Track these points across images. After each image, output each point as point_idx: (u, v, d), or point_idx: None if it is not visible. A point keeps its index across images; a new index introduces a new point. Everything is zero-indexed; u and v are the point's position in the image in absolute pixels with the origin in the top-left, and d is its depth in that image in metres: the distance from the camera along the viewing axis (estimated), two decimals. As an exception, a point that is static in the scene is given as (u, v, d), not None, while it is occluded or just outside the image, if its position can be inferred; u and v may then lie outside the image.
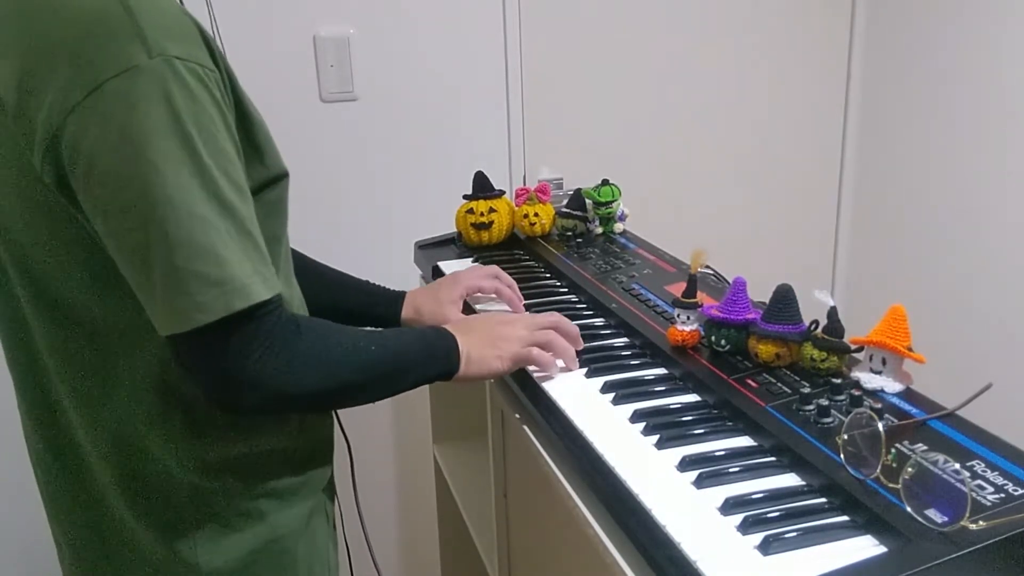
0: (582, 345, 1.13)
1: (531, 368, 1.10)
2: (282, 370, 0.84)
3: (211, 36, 0.83)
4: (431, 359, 1.00)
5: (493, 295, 1.30)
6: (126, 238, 0.78)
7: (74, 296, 0.85)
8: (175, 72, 0.76)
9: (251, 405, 0.86)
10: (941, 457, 0.78)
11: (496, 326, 1.08)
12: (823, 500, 0.82)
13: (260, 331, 0.82)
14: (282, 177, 0.93)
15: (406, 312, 1.27)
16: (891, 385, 0.95)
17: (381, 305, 1.27)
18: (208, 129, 0.78)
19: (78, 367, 0.88)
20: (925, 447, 0.83)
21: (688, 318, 1.10)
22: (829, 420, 0.90)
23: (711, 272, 1.39)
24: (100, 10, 0.76)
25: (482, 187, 1.57)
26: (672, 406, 1.01)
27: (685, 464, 0.88)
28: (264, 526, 0.95)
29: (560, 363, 1.10)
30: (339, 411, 1.10)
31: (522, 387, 1.11)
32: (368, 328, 0.99)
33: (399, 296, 1.28)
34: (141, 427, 0.89)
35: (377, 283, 1.30)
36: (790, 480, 0.86)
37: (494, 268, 1.34)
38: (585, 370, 1.10)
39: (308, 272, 1.24)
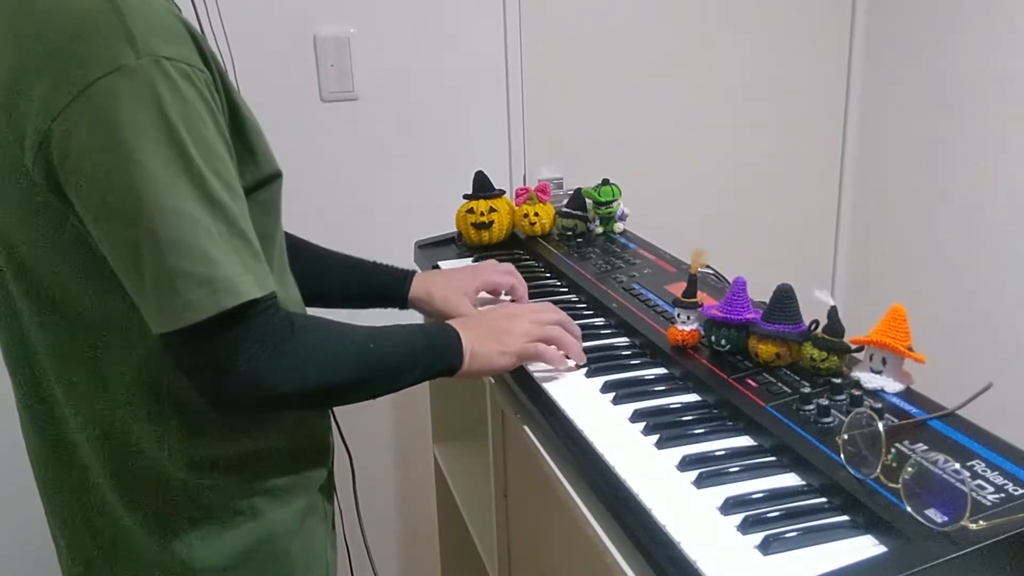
0: (582, 345, 1.12)
1: (536, 365, 1.10)
2: (276, 369, 0.84)
3: (202, 38, 0.83)
4: (433, 356, 1.00)
5: (505, 293, 1.29)
6: (116, 238, 0.78)
7: (67, 293, 0.85)
8: (164, 72, 0.76)
9: (244, 404, 0.86)
10: (941, 457, 0.78)
11: (501, 321, 1.07)
12: (823, 500, 0.82)
13: (252, 329, 0.82)
14: (275, 177, 0.93)
15: (416, 292, 1.25)
16: (891, 385, 0.95)
17: (387, 284, 1.26)
18: (197, 128, 0.78)
19: (72, 363, 0.89)
20: (925, 447, 0.83)
21: (688, 318, 1.10)
22: (829, 420, 0.90)
23: (711, 272, 1.39)
24: (89, 11, 0.76)
25: (482, 187, 1.57)
26: (672, 406, 1.01)
27: (685, 464, 0.88)
28: (258, 524, 0.95)
29: (569, 361, 1.09)
30: (340, 412, 1.10)
31: (522, 387, 1.10)
32: (369, 325, 0.97)
33: (406, 275, 1.27)
34: (134, 423, 0.89)
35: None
36: (790, 480, 0.86)
37: (510, 266, 1.32)
38: (585, 370, 1.10)
39: (310, 256, 1.24)
